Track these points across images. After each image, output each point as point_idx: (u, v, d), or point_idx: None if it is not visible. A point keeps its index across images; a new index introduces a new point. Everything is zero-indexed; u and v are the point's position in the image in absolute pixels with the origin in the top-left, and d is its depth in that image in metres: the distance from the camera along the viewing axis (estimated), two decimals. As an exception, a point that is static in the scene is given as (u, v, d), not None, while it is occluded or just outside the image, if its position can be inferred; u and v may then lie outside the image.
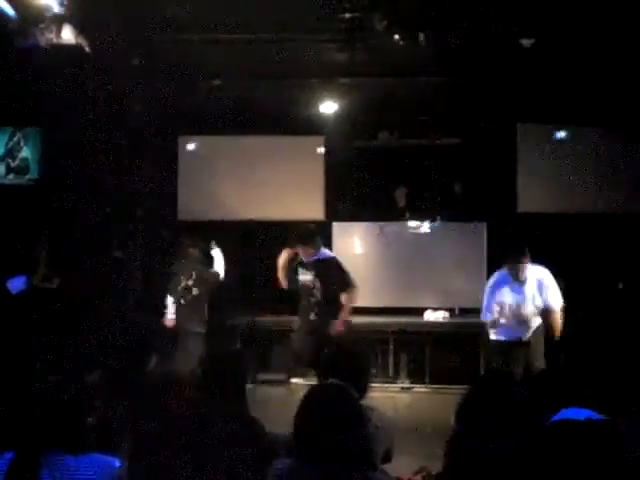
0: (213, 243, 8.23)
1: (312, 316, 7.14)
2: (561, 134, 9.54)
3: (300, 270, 7.25)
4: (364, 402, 3.29)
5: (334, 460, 2.36)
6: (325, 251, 7.34)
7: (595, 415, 1.94)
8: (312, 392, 2.60)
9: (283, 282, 7.48)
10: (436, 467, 2.99)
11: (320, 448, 2.38)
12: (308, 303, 7.17)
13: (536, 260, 9.17)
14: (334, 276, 7.07)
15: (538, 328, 6.95)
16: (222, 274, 8.09)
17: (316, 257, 7.11)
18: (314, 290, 7.12)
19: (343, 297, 7.01)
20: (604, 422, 1.91)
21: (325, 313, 7.04)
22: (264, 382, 8.65)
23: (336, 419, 2.42)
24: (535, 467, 1.90)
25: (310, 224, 7.89)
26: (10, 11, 6.17)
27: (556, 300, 6.84)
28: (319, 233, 7.46)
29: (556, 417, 1.96)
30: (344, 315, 6.97)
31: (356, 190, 9.97)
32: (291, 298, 9.65)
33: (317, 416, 2.45)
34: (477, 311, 9.23)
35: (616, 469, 1.84)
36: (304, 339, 7.12)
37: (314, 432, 2.41)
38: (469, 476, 2.36)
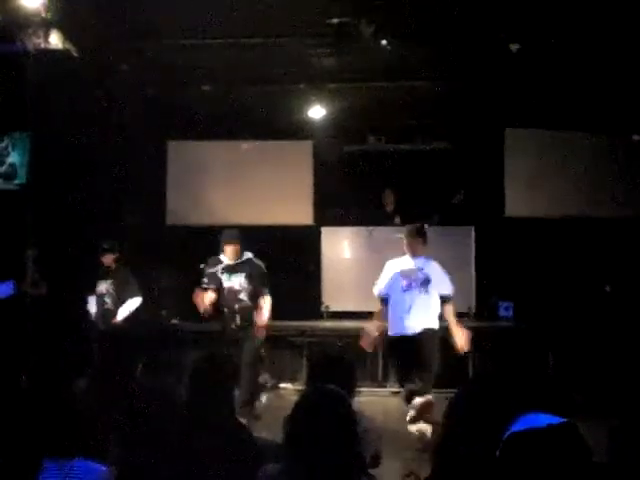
0: None
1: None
2: (548, 139, 9.57)
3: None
4: (353, 406, 3.29)
5: (324, 465, 2.36)
6: None
7: (555, 419, 1.93)
8: (306, 396, 2.60)
9: None
10: (424, 471, 2.99)
11: (311, 453, 2.37)
12: None
13: (523, 263, 9.25)
14: None
15: None
16: None
17: None
18: None
19: None
20: (565, 426, 1.91)
21: None
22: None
23: (330, 424, 2.41)
24: (505, 477, 1.90)
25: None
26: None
27: None
28: None
29: (516, 426, 1.96)
30: None
31: (345, 195, 9.98)
32: (282, 303, 9.70)
33: (311, 421, 2.44)
34: (466, 315, 9.29)
35: (582, 472, 1.85)
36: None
37: (307, 437, 2.40)
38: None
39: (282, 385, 8.75)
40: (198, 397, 3.16)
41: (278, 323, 8.67)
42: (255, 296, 6.97)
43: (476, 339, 8.43)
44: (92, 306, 7.99)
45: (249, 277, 6.95)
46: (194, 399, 3.17)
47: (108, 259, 8.01)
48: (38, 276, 8.10)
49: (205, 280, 6.98)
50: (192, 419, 3.02)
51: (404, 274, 6.59)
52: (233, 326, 6.91)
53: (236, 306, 6.88)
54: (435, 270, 6.64)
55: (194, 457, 2.90)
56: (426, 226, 9.55)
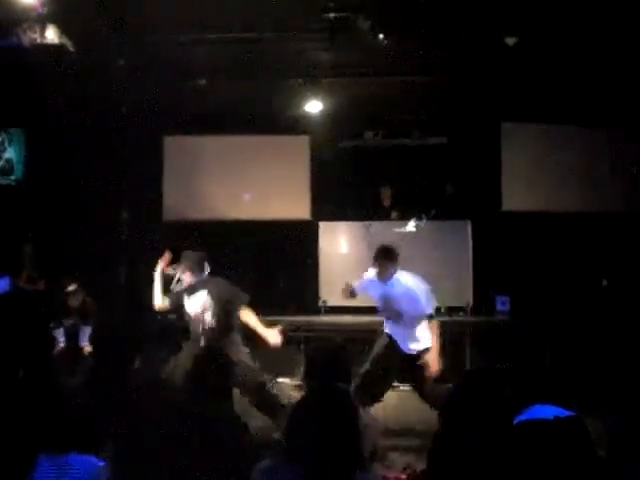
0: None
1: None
2: (545, 133, 9.57)
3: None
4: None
5: (323, 460, 2.36)
6: None
7: (563, 412, 1.95)
8: (312, 394, 2.60)
9: None
10: (422, 465, 3.00)
11: (312, 449, 2.37)
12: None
13: (520, 257, 9.25)
14: None
15: None
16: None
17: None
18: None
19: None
20: (572, 419, 1.93)
21: None
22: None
23: (336, 421, 2.41)
24: (509, 466, 1.92)
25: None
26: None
27: None
28: None
29: (524, 416, 1.98)
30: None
31: (342, 189, 9.97)
32: (279, 299, 9.70)
33: (318, 417, 2.44)
34: (463, 310, 9.31)
35: (585, 465, 1.86)
36: None
37: (312, 432, 2.40)
38: (453, 474, 2.38)
39: (279, 380, 8.75)
40: (195, 391, 3.17)
41: (276, 318, 8.66)
42: (226, 319, 6.17)
43: (473, 333, 8.47)
44: (60, 337, 7.88)
45: (212, 296, 6.17)
46: (191, 393, 3.18)
47: (75, 301, 7.95)
48: (35, 272, 8.10)
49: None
50: (189, 413, 3.03)
51: (381, 302, 6.27)
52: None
53: (199, 329, 6.16)
54: (405, 295, 6.13)
55: (191, 451, 2.90)
56: (416, 222, 9.59)
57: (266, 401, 6.11)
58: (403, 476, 3.55)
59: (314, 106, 9.04)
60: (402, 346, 6.19)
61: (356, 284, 6.48)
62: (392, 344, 6.24)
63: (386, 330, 6.36)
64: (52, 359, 7.35)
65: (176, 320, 6.49)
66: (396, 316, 6.20)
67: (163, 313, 9.13)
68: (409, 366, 6.14)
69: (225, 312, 6.14)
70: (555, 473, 1.84)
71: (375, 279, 6.25)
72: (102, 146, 8.84)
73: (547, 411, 1.95)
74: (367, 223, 9.93)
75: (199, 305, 6.16)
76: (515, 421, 1.96)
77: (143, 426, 3.00)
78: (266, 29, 7.07)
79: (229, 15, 6.73)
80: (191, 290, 6.20)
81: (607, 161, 9.40)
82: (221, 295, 6.14)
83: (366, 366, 6.28)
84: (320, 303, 9.71)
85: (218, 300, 6.12)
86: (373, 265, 6.25)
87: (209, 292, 6.13)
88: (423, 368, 6.00)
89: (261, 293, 8.65)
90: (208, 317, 6.14)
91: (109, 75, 7.86)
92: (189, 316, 6.22)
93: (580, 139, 9.49)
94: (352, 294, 6.46)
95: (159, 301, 6.38)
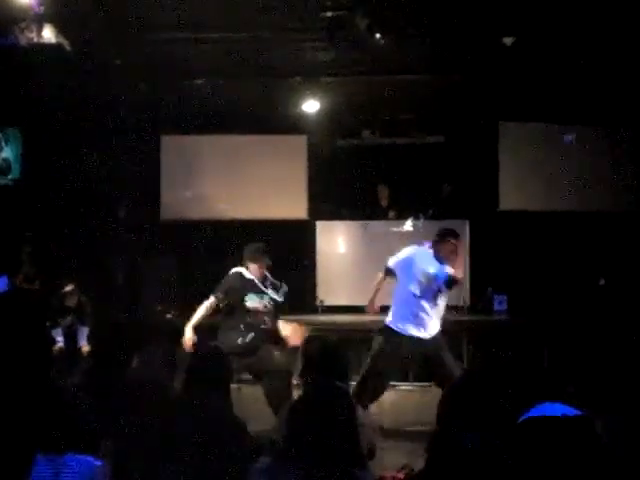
0: None
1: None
2: (542, 132, 9.58)
3: None
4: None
5: (322, 460, 2.36)
6: None
7: (571, 410, 1.95)
8: (310, 392, 2.60)
9: None
10: (419, 465, 3.00)
11: (310, 447, 2.38)
12: None
13: (518, 257, 9.26)
14: None
15: None
16: None
17: None
18: None
19: None
20: (580, 418, 1.93)
21: None
22: (249, 381, 8.62)
23: (335, 419, 2.42)
24: (512, 463, 1.91)
25: None
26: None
27: None
28: None
29: (531, 413, 1.97)
30: None
31: (339, 189, 9.98)
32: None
33: (315, 415, 2.44)
34: (460, 309, 9.30)
35: (593, 465, 1.86)
36: None
37: (308, 432, 2.41)
38: (450, 473, 2.38)
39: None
40: (194, 390, 3.16)
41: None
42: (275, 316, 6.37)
43: (470, 333, 8.47)
44: (58, 336, 7.86)
45: (273, 299, 6.31)
46: (190, 392, 3.18)
47: (71, 301, 7.94)
48: (33, 270, 8.09)
49: (220, 295, 6.16)
50: (187, 412, 3.02)
51: (422, 277, 6.01)
52: (239, 342, 6.04)
53: (261, 326, 6.15)
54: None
55: (190, 451, 2.90)
56: (413, 222, 9.58)
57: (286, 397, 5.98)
58: (401, 475, 3.55)
59: (311, 105, 9.04)
60: (417, 332, 6.00)
61: (391, 264, 6.20)
62: (393, 339, 6.04)
63: (400, 324, 6.04)
64: (51, 358, 7.39)
65: (225, 305, 6.23)
66: (434, 295, 6.01)
67: (164, 312, 9.18)
68: (423, 353, 6.02)
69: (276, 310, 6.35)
70: (560, 471, 1.84)
71: (427, 254, 6.11)
72: (100, 145, 8.84)
73: (555, 409, 1.95)
74: (364, 222, 9.95)
75: (264, 302, 6.25)
76: (522, 418, 1.96)
77: (143, 426, 3.00)
78: (264, 28, 7.07)
79: (227, 14, 6.73)
80: (262, 284, 6.29)
81: (604, 160, 9.42)
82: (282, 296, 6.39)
83: (366, 365, 6.18)
84: (317, 302, 9.71)
85: (282, 299, 6.38)
86: (437, 246, 6.09)
87: (274, 292, 6.32)
88: (438, 355, 5.95)
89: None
90: (268, 318, 6.23)
91: (107, 74, 7.85)
92: (245, 309, 6.14)
93: (578, 138, 9.50)
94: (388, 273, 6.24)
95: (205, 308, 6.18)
